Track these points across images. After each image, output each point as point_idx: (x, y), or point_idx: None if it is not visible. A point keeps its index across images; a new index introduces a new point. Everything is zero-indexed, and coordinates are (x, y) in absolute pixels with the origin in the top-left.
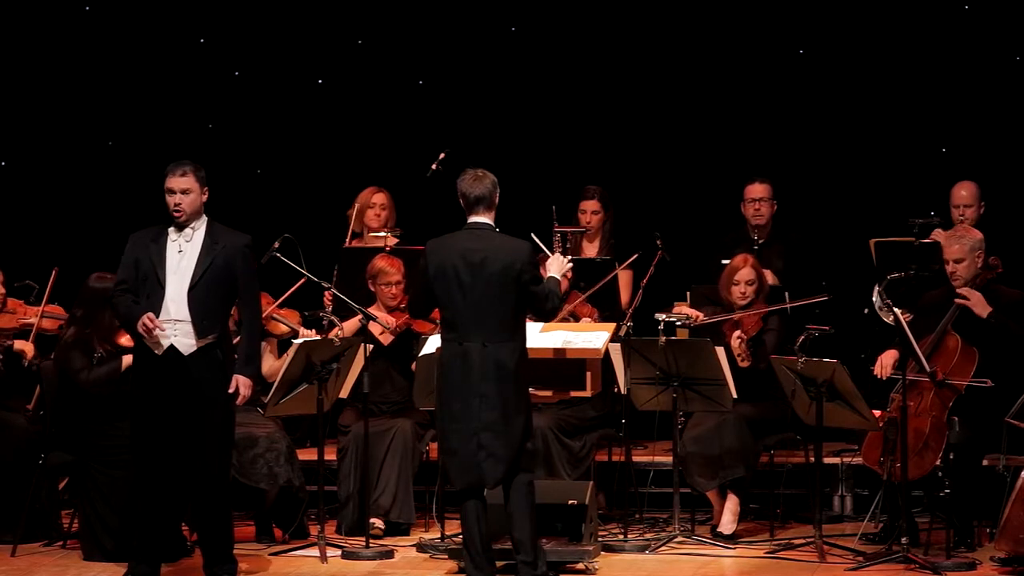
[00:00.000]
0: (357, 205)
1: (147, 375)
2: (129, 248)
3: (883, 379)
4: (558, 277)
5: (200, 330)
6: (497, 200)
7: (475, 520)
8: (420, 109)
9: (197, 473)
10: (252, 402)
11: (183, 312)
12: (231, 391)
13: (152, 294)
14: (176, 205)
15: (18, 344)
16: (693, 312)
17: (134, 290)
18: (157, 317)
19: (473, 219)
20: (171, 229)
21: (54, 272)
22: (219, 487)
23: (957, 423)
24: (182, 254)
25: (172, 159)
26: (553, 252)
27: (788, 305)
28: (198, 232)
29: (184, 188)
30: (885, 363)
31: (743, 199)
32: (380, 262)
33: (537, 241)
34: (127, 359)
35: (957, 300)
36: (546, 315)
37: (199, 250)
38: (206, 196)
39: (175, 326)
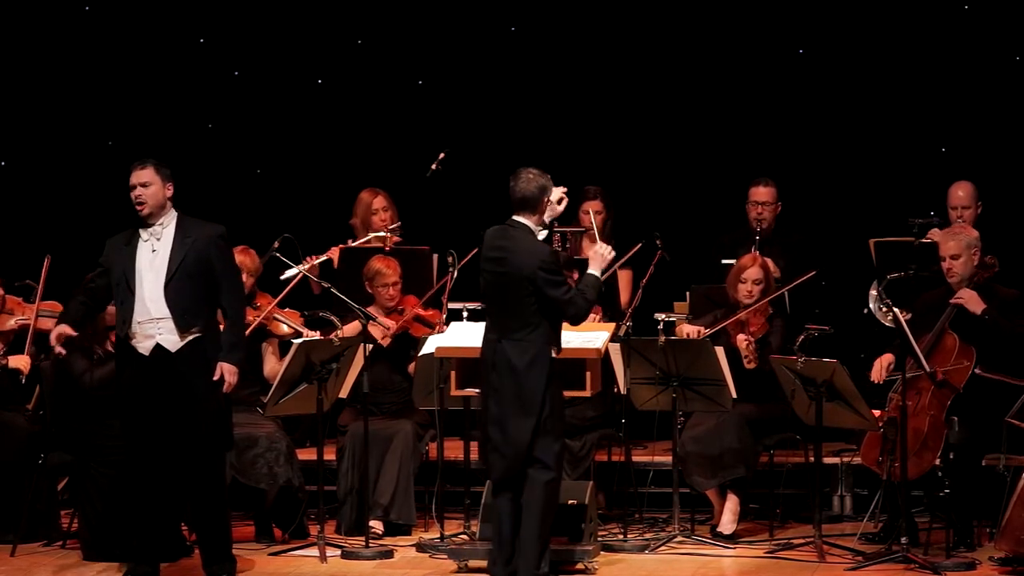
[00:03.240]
0: (360, 215)
1: (134, 375)
2: (105, 253)
3: (880, 383)
4: (597, 274)
5: (181, 325)
6: (545, 203)
7: (498, 516)
8: (420, 109)
9: (192, 470)
10: (252, 402)
11: (162, 310)
12: (215, 378)
13: (125, 300)
14: (137, 197)
15: (13, 362)
16: (692, 330)
17: (97, 291)
18: (132, 318)
19: (513, 218)
20: (141, 229)
21: (46, 261)
22: (215, 483)
23: (957, 423)
24: (155, 253)
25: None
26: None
27: (785, 289)
28: (168, 228)
29: (144, 181)
30: (880, 368)
31: (747, 199)
32: (377, 264)
33: (595, 227)
34: None
35: (952, 301)
36: (570, 320)
37: (171, 245)
38: (171, 191)
39: (157, 324)
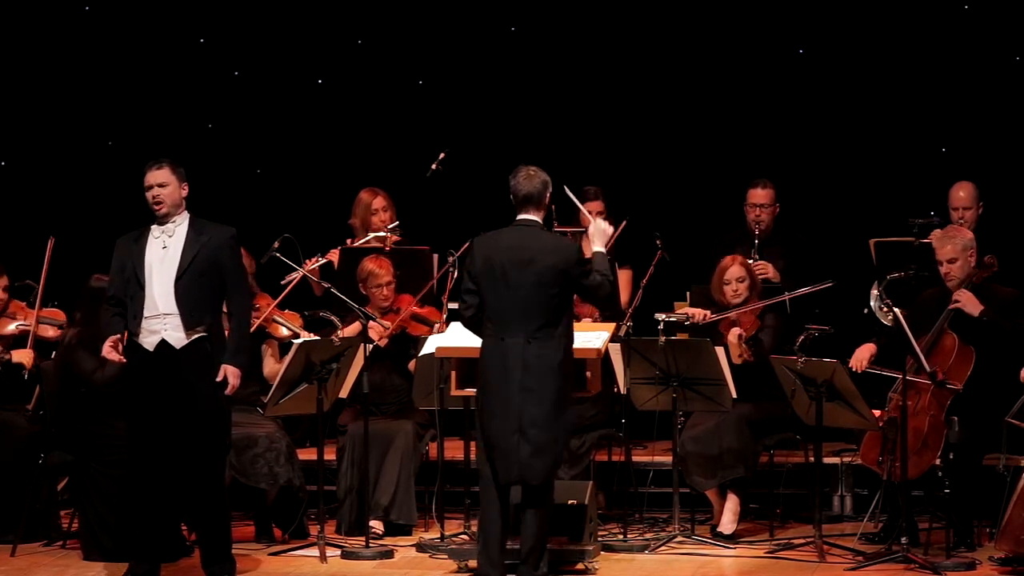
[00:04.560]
0: (359, 215)
1: (138, 371)
2: (115, 254)
3: (858, 372)
4: (603, 250)
5: (188, 322)
6: (548, 199)
7: (495, 518)
8: (420, 109)
9: (191, 469)
10: (252, 402)
11: (171, 305)
12: (219, 380)
13: (135, 295)
14: (155, 198)
15: (16, 356)
16: (697, 312)
17: (122, 300)
18: (141, 314)
19: (521, 216)
20: (153, 227)
21: (50, 242)
22: (214, 484)
23: (956, 423)
24: (166, 249)
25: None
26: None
27: (787, 296)
28: (180, 227)
29: (161, 182)
30: (861, 356)
31: (745, 201)
32: (369, 264)
33: (571, 195)
34: None
35: (950, 306)
36: (603, 303)
37: (183, 243)
38: (186, 191)
39: (164, 320)
